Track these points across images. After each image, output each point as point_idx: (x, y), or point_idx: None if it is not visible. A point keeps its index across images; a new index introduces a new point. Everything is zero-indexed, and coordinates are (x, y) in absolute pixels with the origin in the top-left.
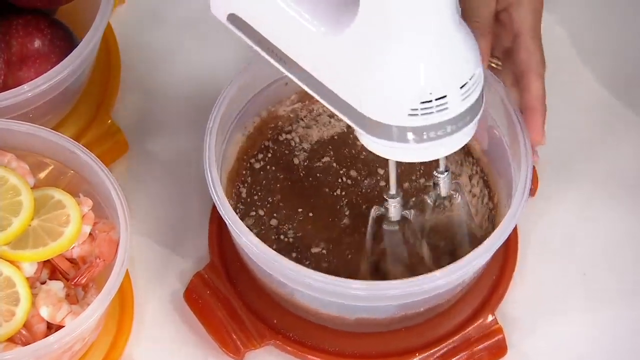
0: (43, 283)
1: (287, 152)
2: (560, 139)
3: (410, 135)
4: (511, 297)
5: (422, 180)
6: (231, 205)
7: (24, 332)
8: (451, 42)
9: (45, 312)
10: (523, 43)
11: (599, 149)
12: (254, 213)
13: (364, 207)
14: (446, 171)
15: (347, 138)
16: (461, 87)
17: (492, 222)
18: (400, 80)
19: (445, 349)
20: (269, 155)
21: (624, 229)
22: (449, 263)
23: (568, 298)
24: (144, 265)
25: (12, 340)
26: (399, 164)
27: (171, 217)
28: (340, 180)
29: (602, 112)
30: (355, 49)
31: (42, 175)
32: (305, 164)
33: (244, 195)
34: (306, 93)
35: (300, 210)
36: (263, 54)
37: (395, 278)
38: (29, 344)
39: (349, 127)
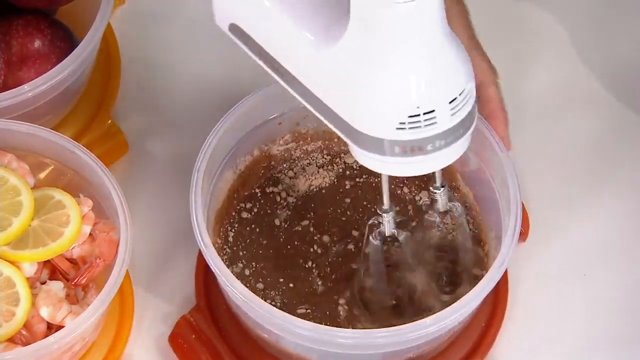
0: (43, 283)
1: (269, 211)
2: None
3: (399, 149)
4: (501, 344)
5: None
6: (218, 245)
7: (24, 332)
8: (440, 56)
9: (45, 312)
10: (495, 122)
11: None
12: (240, 266)
13: (332, 276)
14: (442, 187)
15: (334, 192)
16: (450, 102)
17: (482, 268)
18: (387, 94)
19: None
20: (255, 209)
21: (619, 274)
22: (447, 281)
23: (560, 344)
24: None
25: (12, 340)
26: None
27: (170, 218)
28: (312, 250)
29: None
30: (345, 62)
31: (42, 175)
32: (286, 226)
33: (230, 239)
34: (300, 133)
35: (281, 280)
36: (262, 64)
37: (390, 297)
38: (29, 344)
39: (336, 179)
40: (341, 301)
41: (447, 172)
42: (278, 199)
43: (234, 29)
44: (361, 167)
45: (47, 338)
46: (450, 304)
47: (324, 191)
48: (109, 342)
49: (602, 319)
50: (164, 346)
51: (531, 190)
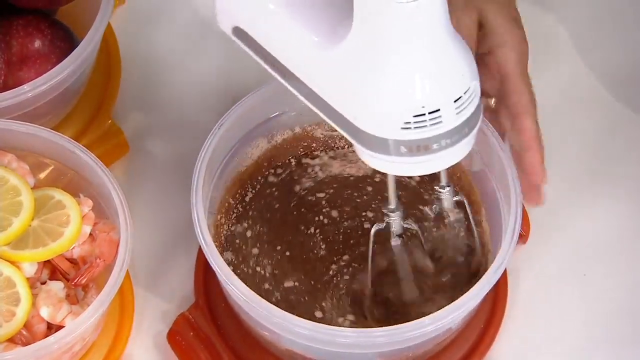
0: (43, 283)
1: (295, 177)
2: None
3: (405, 149)
4: (500, 344)
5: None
6: (230, 204)
7: (24, 332)
8: (445, 55)
9: (45, 312)
10: (511, 85)
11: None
12: (245, 226)
13: (334, 246)
14: (448, 186)
15: (361, 181)
16: (455, 101)
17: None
18: (392, 94)
19: None
20: (283, 175)
21: (619, 275)
22: (451, 278)
23: (559, 345)
24: (143, 269)
25: (13, 340)
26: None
27: (170, 217)
28: (317, 219)
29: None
30: (349, 62)
31: (42, 175)
32: (302, 193)
33: (247, 199)
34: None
35: (278, 248)
36: (266, 67)
37: (399, 297)
38: (29, 344)
39: (371, 173)
40: (332, 271)
41: (457, 171)
42: (309, 170)
43: (238, 31)
44: None
45: (47, 338)
46: (449, 304)
47: (352, 178)
48: (109, 342)
49: (601, 319)
50: (163, 344)
51: None
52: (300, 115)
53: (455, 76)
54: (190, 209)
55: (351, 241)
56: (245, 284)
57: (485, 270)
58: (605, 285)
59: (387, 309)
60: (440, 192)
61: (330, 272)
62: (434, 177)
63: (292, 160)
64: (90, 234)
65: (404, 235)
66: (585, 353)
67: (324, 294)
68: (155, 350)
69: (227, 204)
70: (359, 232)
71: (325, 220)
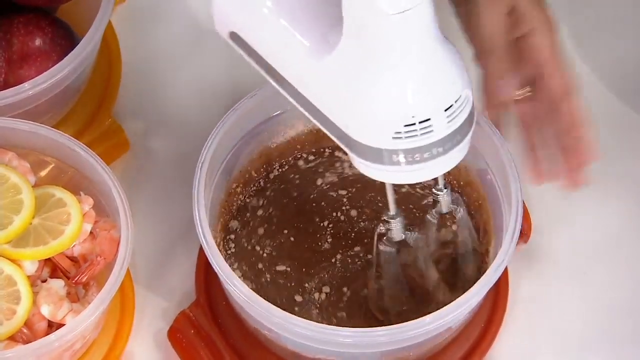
0: (44, 281)
1: (321, 169)
2: None
3: (398, 158)
4: (501, 343)
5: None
6: (251, 175)
7: (25, 330)
8: (434, 64)
9: (46, 310)
10: (548, 69)
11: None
12: (260, 203)
13: (342, 243)
14: (445, 188)
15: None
16: (446, 110)
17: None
18: (382, 104)
19: None
20: (313, 163)
21: (620, 274)
22: (449, 280)
23: (560, 344)
24: (144, 267)
25: (13, 338)
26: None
27: (171, 215)
28: (334, 214)
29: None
30: (340, 71)
31: (43, 173)
32: (324, 187)
33: (271, 176)
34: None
35: (285, 231)
36: (262, 73)
37: (399, 302)
38: (30, 342)
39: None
40: (328, 264)
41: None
42: (337, 165)
43: (234, 36)
44: None
45: (48, 336)
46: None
47: (377, 182)
48: (109, 340)
49: (602, 318)
50: (163, 342)
51: (533, 191)
52: None
53: (445, 85)
54: (191, 206)
55: (365, 240)
56: (241, 258)
57: (486, 269)
58: (606, 284)
59: (388, 310)
60: (437, 195)
61: (326, 265)
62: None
63: (327, 150)
64: (91, 232)
65: (404, 240)
66: (585, 352)
67: (310, 281)
68: (155, 348)
69: (247, 175)
70: (371, 237)
71: (342, 217)
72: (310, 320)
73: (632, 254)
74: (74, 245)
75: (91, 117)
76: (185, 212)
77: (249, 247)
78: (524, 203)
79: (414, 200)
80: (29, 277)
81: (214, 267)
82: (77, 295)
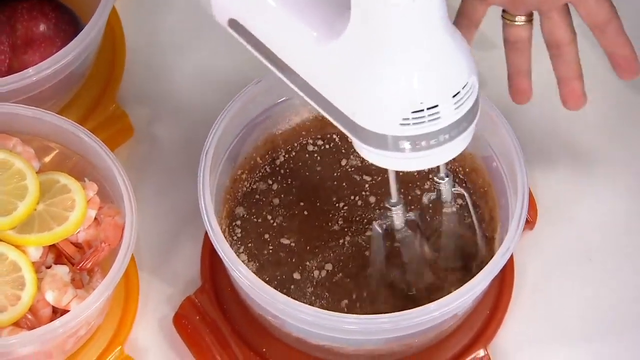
0: (48, 267)
1: (343, 150)
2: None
3: (404, 145)
4: (506, 330)
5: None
6: (258, 161)
7: (29, 316)
8: (442, 51)
9: (50, 296)
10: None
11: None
12: (277, 179)
13: (352, 227)
14: (446, 176)
15: (411, 182)
16: (454, 96)
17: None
18: (390, 90)
19: None
20: (328, 145)
21: (625, 259)
22: (455, 268)
23: (564, 334)
24: (149, 253)
25: (18, 324)
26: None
27: (175, 201)
28: (352, 198)
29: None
30: (346, 58)
31: (47, 159)
32: (348, 169)
33: (293, 154)
34: None
35: (301, 204)
36: (262, 59)
37: (400, 288)
38: (35, 328)
39: (419, 178)
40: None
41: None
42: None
43: (234, 24)
44: None
45: (52, 322)
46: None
47: (401, 174)
48: (114, 326)
49: (607, 304)
50: (168, 328)
51: (539, 179)
52: None
53: (453, 72)
54: (195, 192)
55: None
56: (247, 229)
57: (491, 257)
58: (612, 271)
59: (394, 297)
60: (439, 183)
61: (333, 245)
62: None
63: (336, 136)
64: (96, 218)
65: (406, 228)
66: (591, 338)
67: (313, 259)
68: (160, 334)
69: (252, 162)
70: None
71: (360, 202)
72: (304, 298)
73: (638, 241)
74: (78, 232)
75: (95, 103)
76: (190, 198)
77: (259, 220)
78: (530, 190)
79: (416, 189)
80: (33, 263)
81: (219, 253)
82: (82, 281)
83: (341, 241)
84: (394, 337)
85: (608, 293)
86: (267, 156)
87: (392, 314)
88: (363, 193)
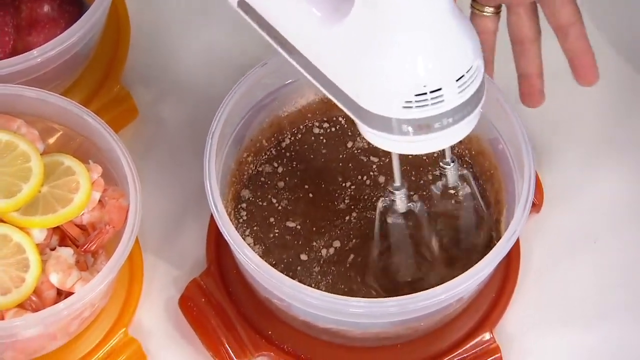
0: (53, 249)
1: (350, 133)
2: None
3: (407, 128)
4: (512, 313)
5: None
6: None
7: (33, 298)
8: (447, 34)
9: (55, 278)
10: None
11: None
12: (284, 162)
13: (359, 205)
14: (452, 162)
15: (422, 166)
16: (457, 80)
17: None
18: (393, 72)
19: None
20: (335, 127)
21: (630, 242)
22: (457, 255)
23: (570, 318)
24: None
25: (22, 306)
26: (404, 155)
27: (180, 183)
28: (359, 178)
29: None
30: (351, 40)
31: (51, 140)
32: (355, 151)
33: (300, 136)
34: None
35: (306, 186)
36: (271, 41)
37: (404, 273)
38: (39, 310)
39: (432, 163)
40: (338, 225)
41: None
42: None
43: (243, 4)
44: None
45: (56, 304)
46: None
47: (410, 157)
48: (118, 308)
49: (613, 287)
50: (174, 310)
51: (545, 161)
52: None
53: (457, 55)
54: (201, 174)
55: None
56: (253, 219)
57: (497, 240)
58: (618, 254)
59: (396, 282)
60: (445, 168)
61: (339, 223)
62: (440, 152)
63: (342, 118)
64: (100, 201)
65: (410, 212)
66: (596, 321)
67: (319, 239)
68: (165, 316)
69: (258, 144)
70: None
71: (368, 182)
72: (310, 278)
73: None
74: (82, 214)
75: (99, 84)
76: (195, 180)
77: (264, 204)
78: (536, 173)
79: (421, 172)
80: (37, 245)
81: (225, 236)
82: (86, 263)
83: (347, 218)
84: (400, 320)
85: (613, 276)
86: (272, 139)
87: (398, 297)
88: (371, 173)
